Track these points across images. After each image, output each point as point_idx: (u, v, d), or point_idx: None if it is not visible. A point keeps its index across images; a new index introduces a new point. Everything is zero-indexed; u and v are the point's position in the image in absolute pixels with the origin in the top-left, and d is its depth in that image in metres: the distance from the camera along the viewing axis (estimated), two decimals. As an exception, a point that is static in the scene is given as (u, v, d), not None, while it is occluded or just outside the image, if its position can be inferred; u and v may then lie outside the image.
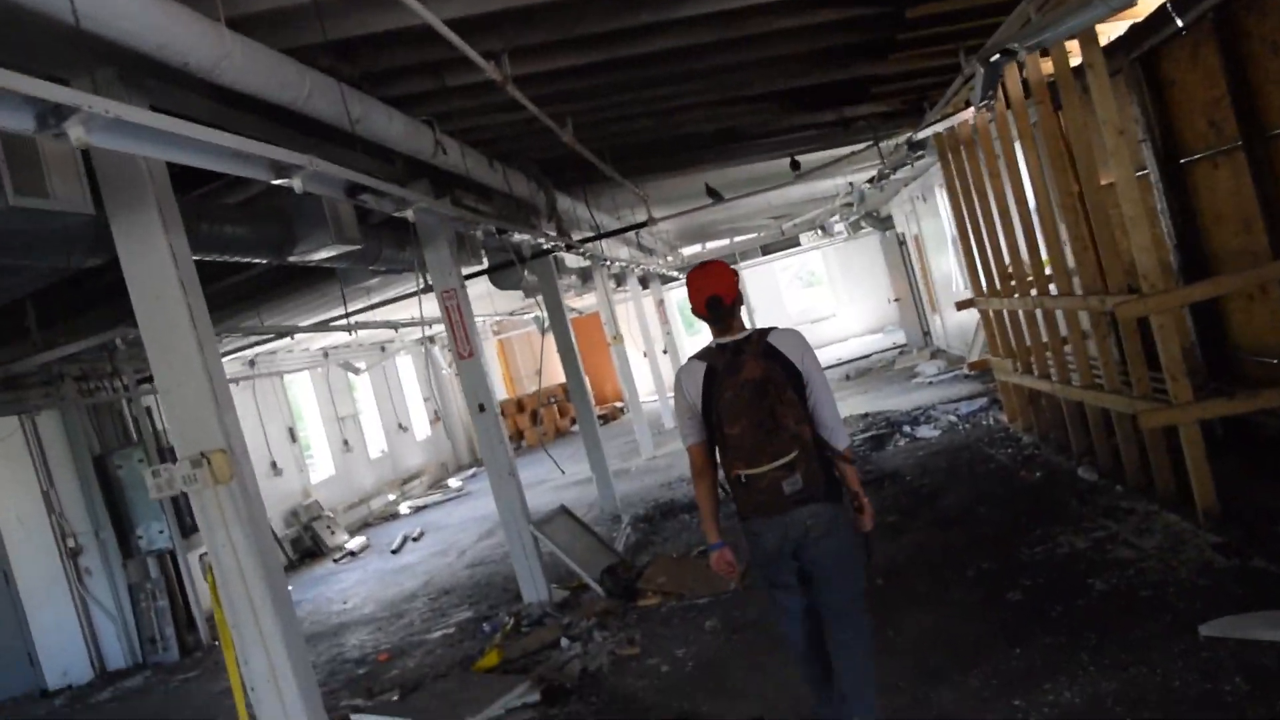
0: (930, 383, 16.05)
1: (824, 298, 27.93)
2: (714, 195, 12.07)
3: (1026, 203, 8.27)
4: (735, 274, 4.31)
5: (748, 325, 4.28)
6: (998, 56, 6.02)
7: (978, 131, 8.76)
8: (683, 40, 6.52)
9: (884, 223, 23.05)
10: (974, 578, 6.39)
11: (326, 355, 18.07)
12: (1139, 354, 6.55)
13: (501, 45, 5.69)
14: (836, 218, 19.83)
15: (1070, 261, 7.79)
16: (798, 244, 25.41)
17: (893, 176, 11.69)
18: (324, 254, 6.59)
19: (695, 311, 4.24)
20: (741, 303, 4.28)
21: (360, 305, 12.36)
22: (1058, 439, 8.99)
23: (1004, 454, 9.52)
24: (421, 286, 8.40)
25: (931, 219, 17.70)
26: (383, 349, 20.48)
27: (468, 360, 8.42)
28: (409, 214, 5.54)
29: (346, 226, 6.60)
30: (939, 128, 8.71)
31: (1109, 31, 7.36)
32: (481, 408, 8.41)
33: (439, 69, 6.30)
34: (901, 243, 22.65)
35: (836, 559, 4.10)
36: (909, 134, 10.31)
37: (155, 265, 4.33)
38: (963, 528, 7.57)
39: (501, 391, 27.51)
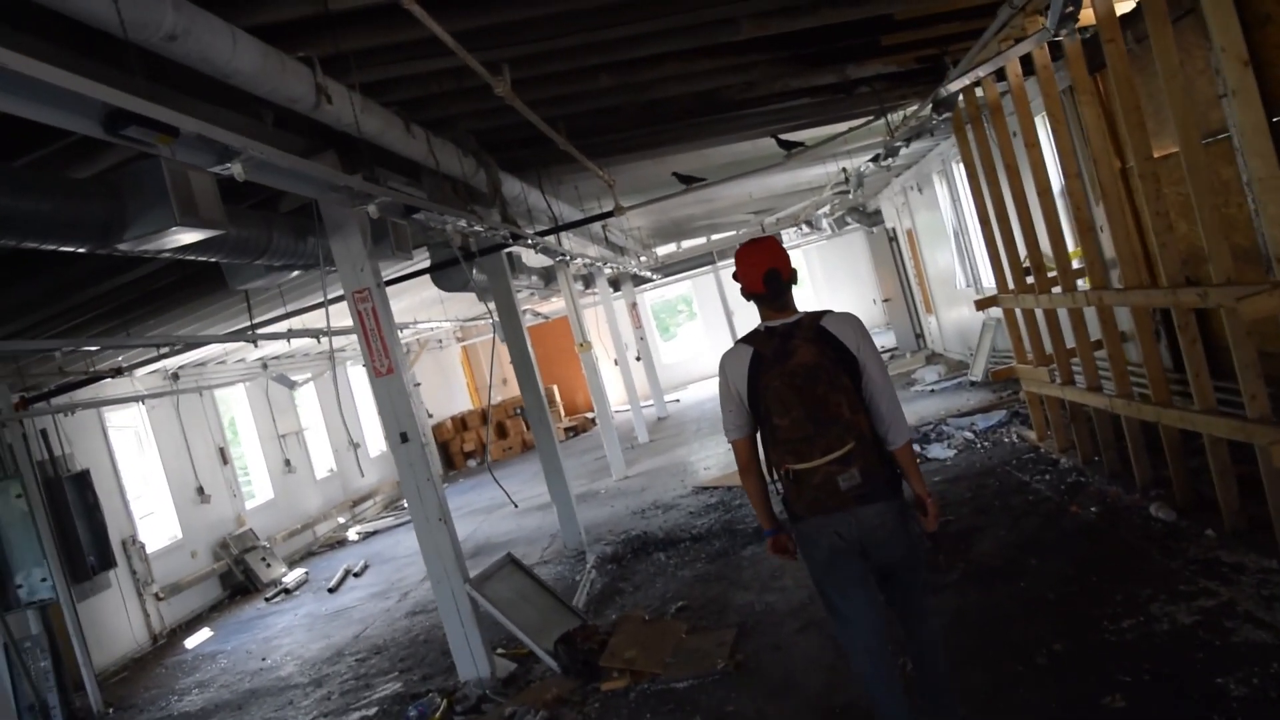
0: (932, 390, 14.50)
1: (805, 298, 26.47)
2: (687, 180, 10.45)
3: (1079, 176, 6.69)
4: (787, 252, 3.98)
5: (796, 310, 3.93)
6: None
7: (1012, 91, 7.17)
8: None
9: (871, 218, 21.52)
10: (1047, 668, 4.74)
11: (265, 366, 16.28)
12: (1253, 363, 4.97)
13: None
14: (825, 209, 18.20)
15: (1136, 247, 6.23)
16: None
17: (905, 149, 10.07)
18: (168, 239, 4.85)
19: (748, 290, 3.90)
20: (796, 281, 3.90)
21: (278, 312, 10.61)
22: (1110, 465, 7.41)
23: (1042, 482, 7.90)
24: (326, 289, 6.68)
25: (928, 211, 16.14)
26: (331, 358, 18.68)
27: (386, 378, 6.77)
28: (236, 170, 3.87)
29: (202, 204, 4.85)
30: (979, 74, 7.01)
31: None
32: (404, 437, 6.74)
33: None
34: (892, 238, 21.13)
35: (905, 561, 3.84)
36: (919, 103, 8.72)
37: None
38: (1012, 585, 5.92)
39: (466, 403, 25.84)
